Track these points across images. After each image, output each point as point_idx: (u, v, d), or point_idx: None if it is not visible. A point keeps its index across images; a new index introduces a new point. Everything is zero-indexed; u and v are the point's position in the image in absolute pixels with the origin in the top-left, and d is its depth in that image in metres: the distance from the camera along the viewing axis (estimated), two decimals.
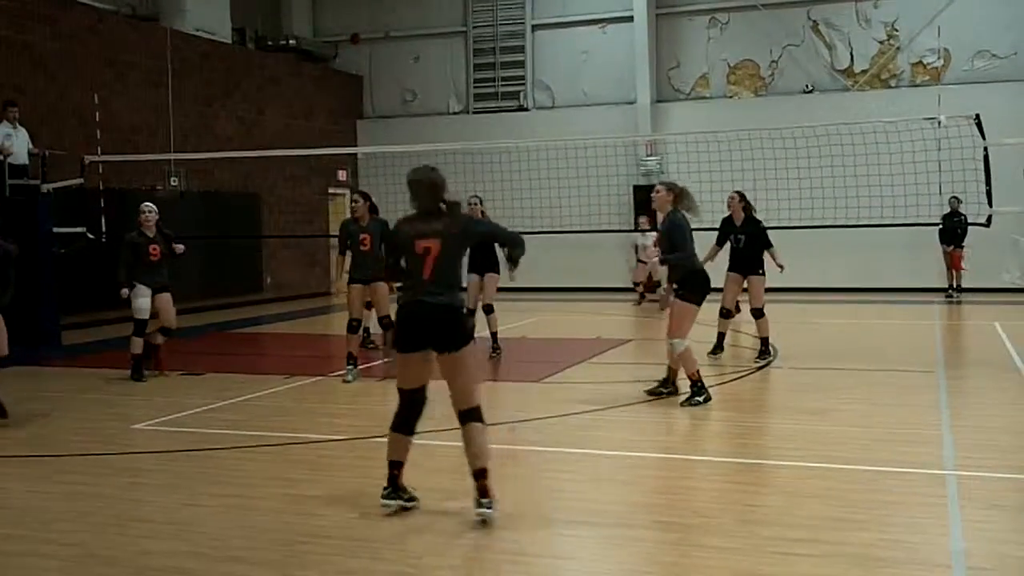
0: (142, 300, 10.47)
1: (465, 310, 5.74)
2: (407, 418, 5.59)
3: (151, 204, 10.77)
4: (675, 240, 8.57)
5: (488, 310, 11.97)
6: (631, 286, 19.81)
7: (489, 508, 5.33)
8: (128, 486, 6.41)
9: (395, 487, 5.58)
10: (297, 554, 5.00)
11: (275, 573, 4.77)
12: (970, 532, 5.12)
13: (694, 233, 8.71)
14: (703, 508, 5.74)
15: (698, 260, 8.75)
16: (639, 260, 19.00)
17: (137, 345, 10.55)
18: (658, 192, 8.70)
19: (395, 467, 5.58)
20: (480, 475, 5.40)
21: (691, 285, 8.56)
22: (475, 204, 12.05)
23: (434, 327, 5.41)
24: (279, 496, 6.05)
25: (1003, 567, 4.73)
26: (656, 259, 9.72)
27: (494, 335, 12.05)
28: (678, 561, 4.85)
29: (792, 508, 5.60)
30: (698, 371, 8.64)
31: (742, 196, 11.19)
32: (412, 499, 5.63)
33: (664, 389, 8.96)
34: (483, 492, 5.37)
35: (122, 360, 11.29)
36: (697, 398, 8.55)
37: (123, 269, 10.44)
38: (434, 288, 5.42)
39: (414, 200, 5.56)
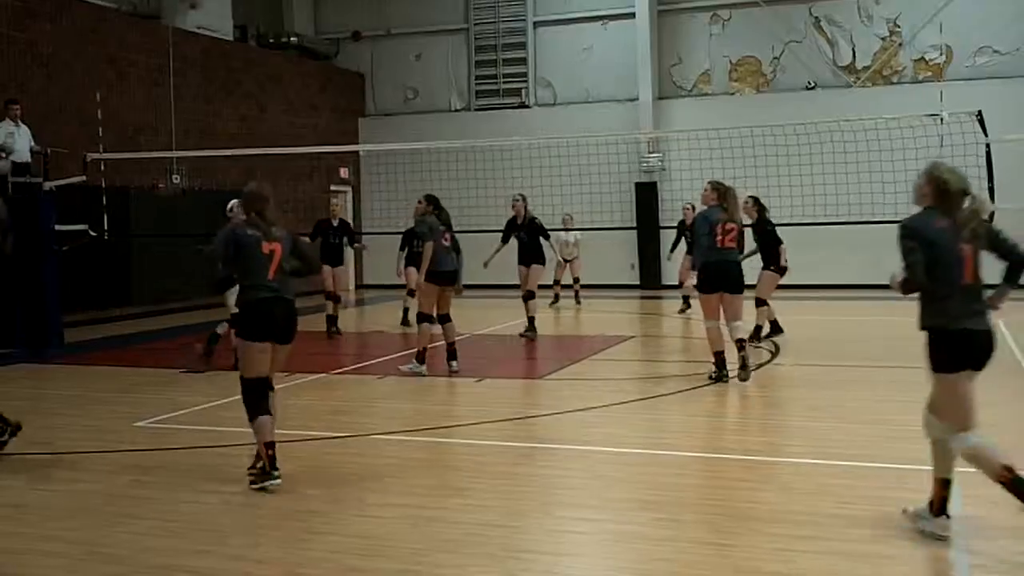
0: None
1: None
2: (265, 398, 6.24)
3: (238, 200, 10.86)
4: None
5: (529, 296, 13.11)
6: (632, 284, 19.76)
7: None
8: (131, 484, 6.42)
9: (275, 465, 6.06)
10: (300, 551, 5.01)
11: (278, 571, 4.78)
12: (973, 530, 5.12)
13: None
14: (705, 505, 5.75)
15: (707, 254, 9.30)
16: (563, 259, 17.67)
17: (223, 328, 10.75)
18: (705, 191, 9.59)
19: (272, 447, 6.10)
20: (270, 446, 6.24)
21: (698, 278, 9.41)
22: (518, 201, 13.26)
23: (287, 321, 6.27)
24: (281, 494, 6.04)
25: (1006, 564, 4.73)
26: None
27: (531, 319, 13.08)
28: (679, 558, 4.85)
29: (794, 505, 5.61)
30: (718, 352, 9.42)
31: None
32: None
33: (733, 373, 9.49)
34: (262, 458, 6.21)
35: (124, 357, 11.33)
36: (712, 374, 9.46)
37: (220, 264, 10.54)
38: (279, 286, 6.22)
39: (250, 209, 6.33)
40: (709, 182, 9.62)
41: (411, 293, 14.27)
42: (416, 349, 10.31)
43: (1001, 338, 12.72)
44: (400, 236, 14.75)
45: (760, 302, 12.08)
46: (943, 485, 5.03)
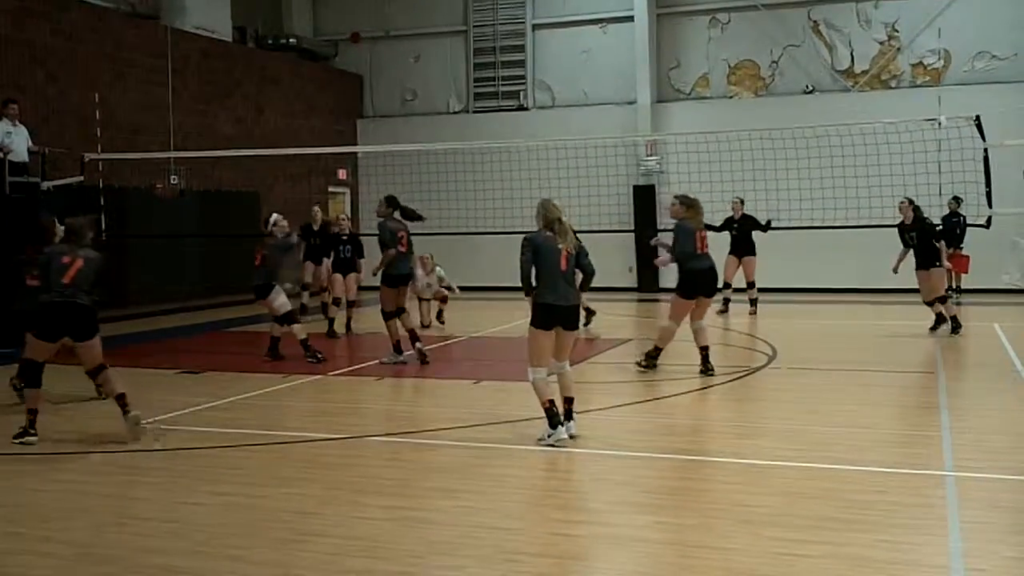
0: (284, 297, 11.44)
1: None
2: (39, 376, 7.61)
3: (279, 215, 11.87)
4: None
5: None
6: (630, 287, 19.72)
7: (138, 413, 7.46)
8: (126, 484, 6.40)
9: (33, 426, 7.36)
10: (295, 553, 4.99)
11: (273, 572, 4.76)
12: (968, 533, 5.12)
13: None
14: (702, 508, 5.74)
15: (694, 262, 10.06)
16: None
17: (301, 331, 11.41)
18: (673, 205, 10.39)
19: (34, 413, 7.42)
20: (121, 398, 7.47)
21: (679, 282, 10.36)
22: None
23: (72, 322, 7.43)
24: (277, 495, 6.04)
25: (1001, 568, 4.72)
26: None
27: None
28: (677, 561, 4.85)
29: (791, 509, 5.60)
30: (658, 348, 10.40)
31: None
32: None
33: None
34: (125, 406, 7.41)
35: (120, 358, 11.22)
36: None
37: (274, 270, 11.46)
38: (73, 291, 7.37)
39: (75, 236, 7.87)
40: (676, 196, 10.38)
41: (336, 301, 14.13)
42: (392, 342, 11.13)
43: (999, 342, 12.72)
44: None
45: (940, 299, 13.29)
46: (552, 403, 7.16)
